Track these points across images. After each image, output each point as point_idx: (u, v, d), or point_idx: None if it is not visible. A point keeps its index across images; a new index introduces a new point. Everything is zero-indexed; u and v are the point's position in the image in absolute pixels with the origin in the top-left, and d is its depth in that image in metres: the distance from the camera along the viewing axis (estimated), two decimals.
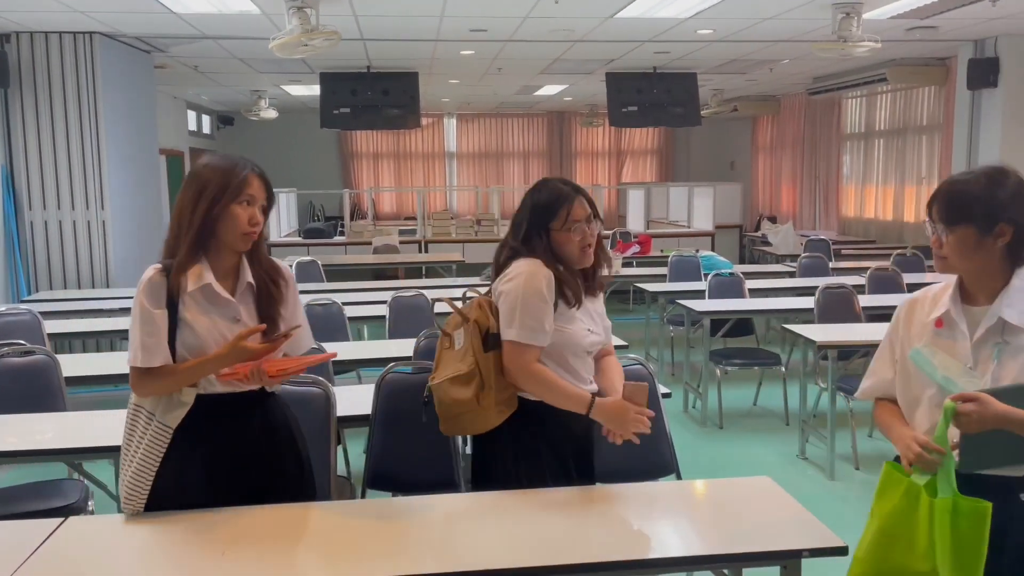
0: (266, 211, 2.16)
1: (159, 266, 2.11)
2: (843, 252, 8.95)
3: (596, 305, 2.42)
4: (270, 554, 1.97)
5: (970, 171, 1.88)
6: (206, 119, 13.02)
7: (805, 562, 1.97)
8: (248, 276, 2.17)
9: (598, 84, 9.59)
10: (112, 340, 6.02)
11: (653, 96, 9.10)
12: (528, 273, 2.26)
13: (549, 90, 11.14)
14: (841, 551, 1.94)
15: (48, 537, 2.02)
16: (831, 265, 7.42)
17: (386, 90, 8.74)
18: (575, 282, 2.32)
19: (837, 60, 7.94)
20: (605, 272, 2.43)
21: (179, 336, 2.08)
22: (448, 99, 12.38)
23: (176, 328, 2.08)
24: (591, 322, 2.37)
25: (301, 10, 5.23)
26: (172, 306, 2.08)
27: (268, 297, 2.19)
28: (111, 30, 6.59)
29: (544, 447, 2.33)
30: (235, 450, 2.18)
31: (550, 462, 2.33)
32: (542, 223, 2.31)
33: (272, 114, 11.20)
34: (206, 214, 2.08)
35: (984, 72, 7.30)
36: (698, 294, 6.14)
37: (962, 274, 1.92)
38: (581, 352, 2.34)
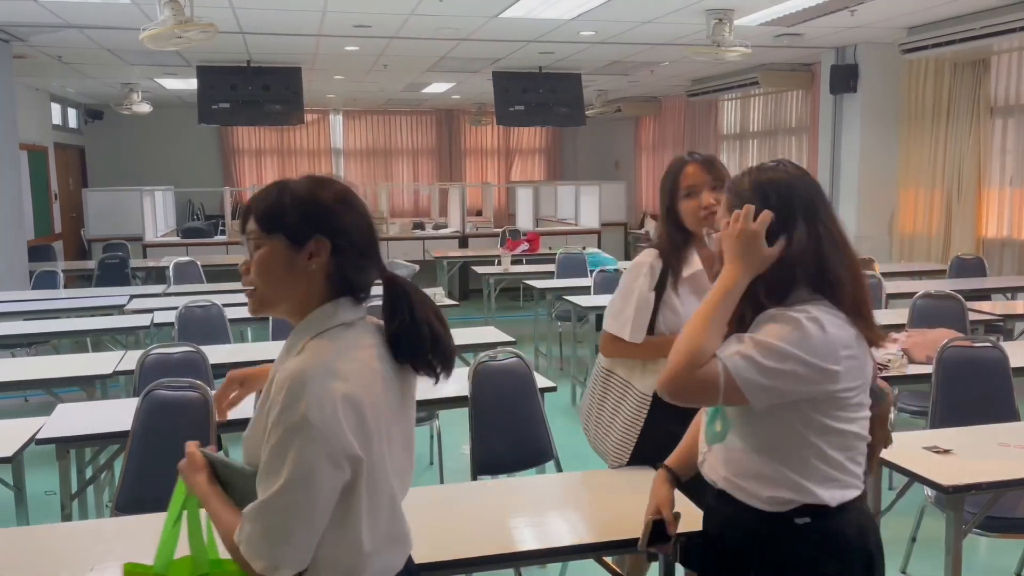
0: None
1: (655, 251, 2.30)
2: None
3: None
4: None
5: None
6: (72, 112, 12.26)
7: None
8: None
9: (485, 83, 9.63)
10: None
11: (539, 96, 9.22)
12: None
13: (437, 88, 11.11)
14: None
15: None
16: None
17: (267, 85, 8.49)
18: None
19: (712, 64, 8.28)
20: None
21: (661, 315, 2.26)
22: (333, 95, 12.14)
23: (659, 307, 2.26)
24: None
25: (174, 0, 5.00)
26: (660, 287, 2.26)
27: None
28: None
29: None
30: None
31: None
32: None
33: (146, 108, 10.66)
34: (668, 211, 2.26)
35: (845, 77, 7.79)
36: (584, 290, 6.28)
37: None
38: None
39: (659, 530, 1.76)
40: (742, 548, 1.63)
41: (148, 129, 12.67)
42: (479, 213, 13.02)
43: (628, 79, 10.26)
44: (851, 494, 1.57)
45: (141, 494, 2.73)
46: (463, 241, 10.63)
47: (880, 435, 1.71)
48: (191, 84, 9.15)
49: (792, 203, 1.55)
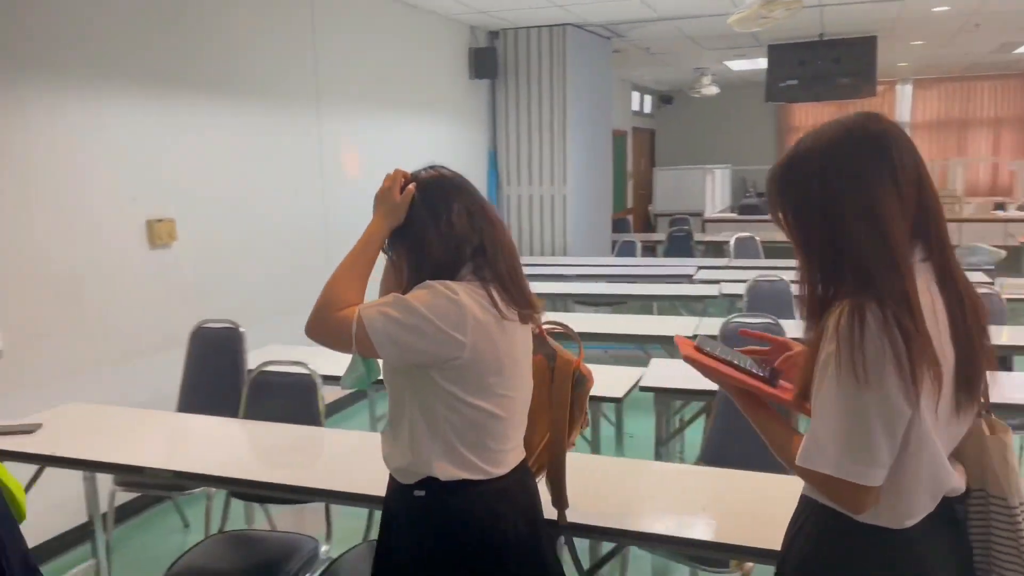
0: None
1: None
2: None
3: None
4: None
5: None
6: (647, 99, 13.60)
7: None
8: None
9: None
10: (566, 303, 6.67)
11: None
12: None
13: None
14: None
15: None
16: None
17: (837, 58, 8.22)
18: None
19: None
20: None
21: None
22: (906, 63, 11.21)
23: None
24: None
25: None
26: None
27: None
28: (580, 20, 7.21)
29: None
30: None
31: None
32: None
33: (713, 90, 11.27)
34: None
35: None
36: None
37: None
38: None
39: None
40: (387, 519, 1.73)
41: (711, 111, 13.40)
42: None
43: None
44: (467, 475, 1.60)
45: (724, 450, 2.93)
46: None
47: (578, 416, 1.84)
48: (756, 64, 9.37)
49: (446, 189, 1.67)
